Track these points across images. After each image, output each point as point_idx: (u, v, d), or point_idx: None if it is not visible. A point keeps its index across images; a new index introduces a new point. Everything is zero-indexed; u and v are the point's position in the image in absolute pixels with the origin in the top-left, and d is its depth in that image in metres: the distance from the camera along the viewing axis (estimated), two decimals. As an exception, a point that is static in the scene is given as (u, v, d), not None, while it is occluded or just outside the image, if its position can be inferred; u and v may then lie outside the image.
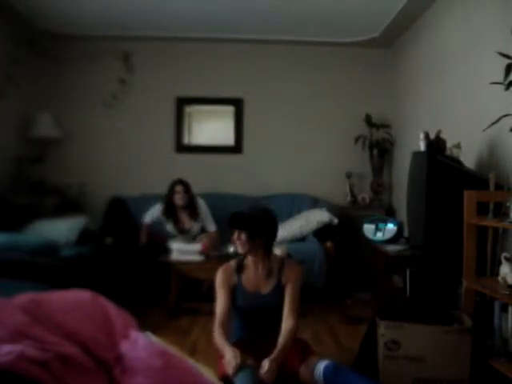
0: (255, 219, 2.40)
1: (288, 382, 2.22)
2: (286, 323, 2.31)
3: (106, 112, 5.29)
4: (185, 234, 4.46)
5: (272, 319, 2.41)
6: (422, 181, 3.11)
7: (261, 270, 2.45)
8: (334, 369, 2.14)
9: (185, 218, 4.50)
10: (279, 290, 2.40)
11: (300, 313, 2.40)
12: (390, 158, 5.42)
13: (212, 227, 4.55)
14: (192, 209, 4.48)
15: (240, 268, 2.48)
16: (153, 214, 4.53)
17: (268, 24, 4.89)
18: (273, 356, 2.16)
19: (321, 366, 2.15)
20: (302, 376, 2.19)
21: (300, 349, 2.33)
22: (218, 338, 2.29)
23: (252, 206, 2.56)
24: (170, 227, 4.48)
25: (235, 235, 2.42)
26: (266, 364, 2.11)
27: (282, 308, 2.38)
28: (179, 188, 4.43)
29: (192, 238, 4.43)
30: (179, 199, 4.42)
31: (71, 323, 1.44)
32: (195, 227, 4.51)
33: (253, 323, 2.46)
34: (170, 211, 4.46)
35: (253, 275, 2.46)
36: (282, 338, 2.25)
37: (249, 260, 2.47)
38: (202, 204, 4.57)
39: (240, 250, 2.44)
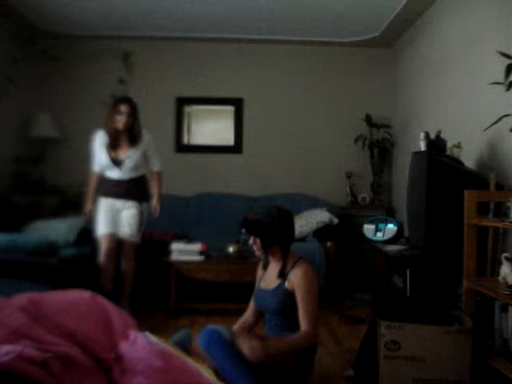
0: (268, 226, 2.35)
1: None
2: (301, 328, 2.27)
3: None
4: (119, 167, 3.61)
5: (274, 321, 2.40)
6: (421, 181, 3.11)
7: (275, 268, 2.43)
8: (207, 340, 2.12)
9: (122, 145, 3.64)
10: (280, 292, 2.36)
11: (316, 319, 2.30)
12: (390, 158, 5.42)
13: (157, 165, 3.82)
14: (132, 133, 3.63)
15: (266, 265, 2.50)
16: (97, 147, 3.67)
17: (268, 24, 4.89)
18: (262, 340, 2.17)
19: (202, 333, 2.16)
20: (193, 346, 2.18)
21: None
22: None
23: (266, 209, 2.48)
24: (102, 157, 3.64)
25: (251, 240, 2.41)
26: (248, 337, 2.14)
27: (281, 312, 2.35)
28: (124, 108, 3.58)
29: (126, 172, 3.63)
30: (120, 121, 3.56)
31: (70, 323, 1.44)
32: (133, 157, 3.63)
33: (265, 320, 2.48)
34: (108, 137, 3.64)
35: (270, 273, 2.46)
36: (290, 337, 2.23)
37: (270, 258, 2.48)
38: (147, 135, 3.76)
39: (256, 253, 2.44)
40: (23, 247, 3.18)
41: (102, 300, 1.66)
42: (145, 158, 3.72)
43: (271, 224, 2.36)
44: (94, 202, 3.72)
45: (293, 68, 5.47)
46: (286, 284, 2.35)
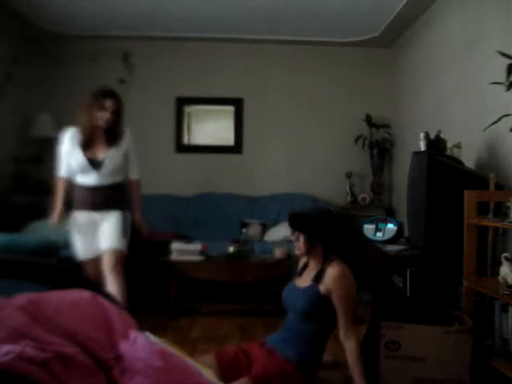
0: (316, 222, 2.27)
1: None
2: (345, 344, 2.23)
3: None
4: (97, 169, 3.05)
5: (294, 324, 2.33)
6: (421, 181, 3.11)
7: (313, 270, 2.34)
8: None
9: (100, 145, 3.09)
10: (311, 292, 2.26)
11: (354, 324, 2.25)
12: (390, 158, 5.42)
13: (135, 172, 3.25)
14: (112, 132, 3.11)
15: (304, 268, 2.43)
16: (66, 146, 3.10)
17: (268, 24, 4.89)
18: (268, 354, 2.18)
19: None
20: None
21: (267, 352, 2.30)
22: None
23: (314, 206, 2.41)
24: (75, 158, 3.06)
25: (294, 236, 2.33)
26: None
27: (306, 315, 2.28)
28: (109, 104, 3.06)
29: (106, 176, 3.07)
30: (102, 118, 3.05)
31: (70, 323, 1.44)
32: (114, 158, 3.08)
33: (285, 320, 2.41)
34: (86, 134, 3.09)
35: (307, 272, 2.39)
36: (350, 362, 2.21)
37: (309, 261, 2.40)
38: (129, 134, 3.24)
39: (296, 252, 2.36)
40: (23, 247, 3.17)
41: (102, 300, 1.66)
42: (125, 160, 3.17)
43: (319, 220, 2.28)
44: (65, 214, 3.20)
45: (293, 68, 5.46)
46: (320, 286, 2.25)
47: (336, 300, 2.22)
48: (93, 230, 3.10)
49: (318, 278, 2.28)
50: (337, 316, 2.24)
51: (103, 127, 3.07)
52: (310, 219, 2.29)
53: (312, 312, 2.27)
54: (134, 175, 3.24)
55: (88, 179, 3.07)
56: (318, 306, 2.26)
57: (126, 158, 3.17)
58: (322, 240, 2.30)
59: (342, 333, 2.23)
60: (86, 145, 3.07)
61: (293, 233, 2.35)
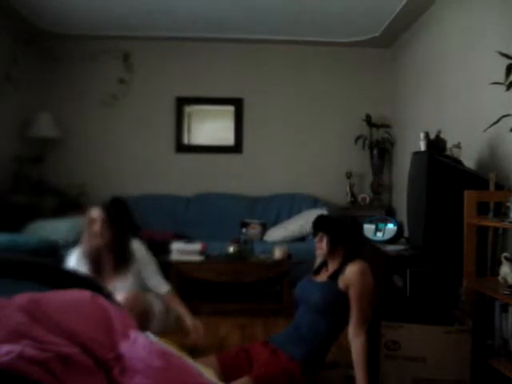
0: (340, 224, 2.36)
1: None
2: (352, 342, 2.22)
3: (105, 112, 5.29)
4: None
5: (307, 318, 2.32)
6: (421, 181, 3.11)
7: (331, 268, 2.36)
8: None
9: (107, 273, 2.60)
10: (329, 287, 2.28)
11: (365, 323, 2.23)
12: (390, 158, 5.41)
13: (163, 286, 2.74)
14: (119, 252, 2.62)
15: (320, 268, 2.45)
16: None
17: (268, 24, 4.89)
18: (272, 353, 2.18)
19: None
20: None
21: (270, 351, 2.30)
22: None
23: (340, 214, 2.50)
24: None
25: (317, 237, 2.37)
26: None
27: (322, 309, 2.28)
28: (95, 213, 2.60)
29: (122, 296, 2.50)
30: (94, 235, 2.58)
31: (70, 323, 1.44)
32: (124, 287, 2.54)
33: (297, 315, 2.41)
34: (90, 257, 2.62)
35: (324, 270, 2.42)
36: (355, 361, 2.20)
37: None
38: (138, 246, 2.76)
39: (317, 252, 2.39)
40: (23, 247, 3.18)
41: (102, 300, 1.66)
42: (140, 277, 2.68)
43: (343, 224, 2.38)
44: None
45: (293, 68, 5.46)
46: (340, 281, 2.27)
47: (352, 296, 2.23)
48: None
49: (338, 272, 2.30)
50: (349, 314, 2.24)
51: (102, 245, 2.58)
52: (334, 222, 2.38)
53: (327, 306, 2.28)
54: (162, 289, 2.71)
55: None
56: (334, 302, 2.27)
57: (139, 275, 2.67)
58: (345, 243, 2.34)
59: (351, 330, 2.23)
60: (93, 271, 2.58)
61: (315, 234, 2.39)
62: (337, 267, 2.33)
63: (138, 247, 2.72)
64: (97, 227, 2.54)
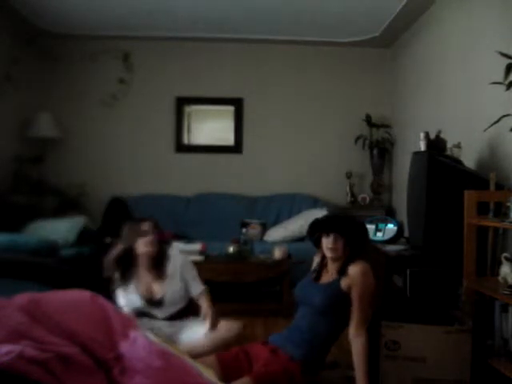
0: (354, 225, 2.34)
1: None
2: (353, 343, 2.21)
3: (105, 112, 5.29)
4: (158, 307, 2.70)
5: (308, 319, 2.31)
6: (421, 181, 3.11)
7: (333, 268, 2.35)
8: None
9: (151, 281, 2.73)
10: (332, 288, 2.27)
11: (366, 323, 2.23)
12: (390, 158, 5.41)
13: (198, 287, 2.83)
14: (160, 261, 2.75)
15: (321, 270, 2.43)
16: (127, 295, 2.71)
17: (268, 24, 4.89)
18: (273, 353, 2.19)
19: None
20: None
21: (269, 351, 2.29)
22: None
23: (344, 213, 2.46)
24: (133, 299, 2.69)
25: (330, 238, 2.29)
26: None
27: (324, 310, 2.27)
28: (147, 226, 2.72)
29: (169, 310, 2.73)
30: (147, 245, 2.69)
31: (70, 323, 1.44)
32: (169, 295, 2.71)
33: (297, 316, 2.40)
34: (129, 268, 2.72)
35: (325, 271, 2.40)
36: (355, 362, 2.19)
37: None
38: (176, 252, 2.91)
39: (330, 254, 2.31)
40: (23, 247, 3.18)
41: (102, 300, 1.66)
42: (185, 285, 2.78)
43: (355, 223, 2.38)
44: None
45: (293, 68, 5.46)
46: (342, 281, 2.26)
47: (355, 296, 2.23)
48: None
49: (341, 273, 2.29)
50: (350, 314, 2.24)
51: (149, 255, 2.70)
52: (349, 223, 2.34)
53: (329, 307, 2.27)
54: (197, 291, 2.81)
55: (151, 312, 2.71)
56: (336, 302, 2.26)
57: (184, 280, 2.78)
58: (354, 244, 2.32)
59: (352, 331, 2.22)
60: (137, 284, 2.70)
61: (327, 235, 2.31)
62: (339, 268, 2.32)
63: (176, 252, 2.88)
64: (150, 237, 2.68)
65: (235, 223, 4.83)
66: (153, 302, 2.68)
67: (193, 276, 2.83)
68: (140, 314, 2.67)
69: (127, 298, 2.69)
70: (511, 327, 2.38)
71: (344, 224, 2.34)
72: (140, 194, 5.14)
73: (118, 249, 2.75)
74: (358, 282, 2.23)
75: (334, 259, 2.33)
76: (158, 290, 2.69)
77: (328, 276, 2.37)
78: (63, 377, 1.23)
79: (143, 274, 2.72)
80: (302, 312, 2.39)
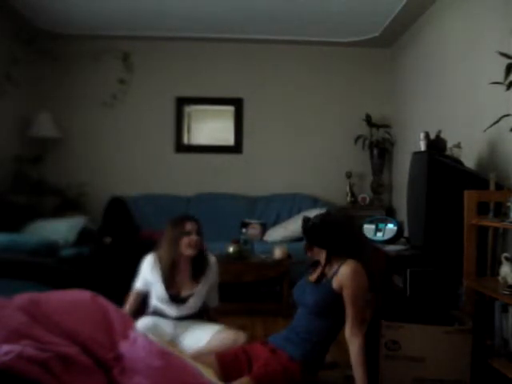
0: (318, 230, 2.34)
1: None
2: (350, 343, 2.21)
3: (105, 112, 5.29)
4: (178, 305, 2.63)
5: (305, 319, 2.32)
6: (421, 181, 3.11)
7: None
8: None
9: (183, 279, 2.69)
10: (323, 288, 2.28)
11: (362, 323, 2.22)
12: (390, 158, 5.41)
13: (215, 302, 2.85)
14: (199, 264, 2.73)
15: (316, 263, 2.45)
16: (146, 273, 2.70)
17: (268, 24, 4.89)
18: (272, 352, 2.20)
19: None
20: None
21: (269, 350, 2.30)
22: None
23: (319, 214, 2.44)
24: (158, 289, 2.65)
25: (305, 246, 2.41)
26: None
27: (318, 310, 2.28)
28: (191, 226, 2.69)
29: (187, 310, 2.66)
30: (190, 245, 2.66)
31: (70, 323, 1.44)
32: (198, 295, 2.69)
33: (295, 316, 2.41)
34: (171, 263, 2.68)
35: (318, 269, 2.41)
36: (353, 362, 2.19)
37: None
38: (214, 260, 2.86)
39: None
40: (23, 247, 3.18)
41: (102, 300, 1.66)
42: (209, 291, 2.77)
43: (323, 225, 2.36)
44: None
45: (293, 68, 5.46)
46: (333, 282, 2.26)
47: (347, 297, 2.22)
48: None
49: (322, 276, 2.31)
50: (345, 314, 2.24)
51: (190, 256, 2.68)
52: (313, 229, 2.35)
53: (323, 307, 2.27)
54: (213, 304, 2.83)
55: (165, 308, 2.66)
56: (330, 302, 2.26)
57: (210, 289, 2.77)
58: (319, 244, 2.34)
59: (347, 331, 2.22)
60: (168, 280, 2.66)
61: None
62: (323, 270, 2.34)
63: (214, 260, 2.84)
64: (194, 238, 2.65)
65: (235, 223, 4.83)
66: (176, 298, 2.63)
67: (216, 289, 2.83)
68: (154, 308, 2.67)
69: (154, 283, 2.65)
70: (511, 327, 2.38)
71: (309, 232, 2.36)
72: (140, 194, 5.14)
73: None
74: (349, 281, 2.22)
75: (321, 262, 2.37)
76: (187, 289, 2.66)
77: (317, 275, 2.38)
78: (63, 377, 1.23)
79: (179, 270, 2.67)
80: (299, 312, 2.40)
